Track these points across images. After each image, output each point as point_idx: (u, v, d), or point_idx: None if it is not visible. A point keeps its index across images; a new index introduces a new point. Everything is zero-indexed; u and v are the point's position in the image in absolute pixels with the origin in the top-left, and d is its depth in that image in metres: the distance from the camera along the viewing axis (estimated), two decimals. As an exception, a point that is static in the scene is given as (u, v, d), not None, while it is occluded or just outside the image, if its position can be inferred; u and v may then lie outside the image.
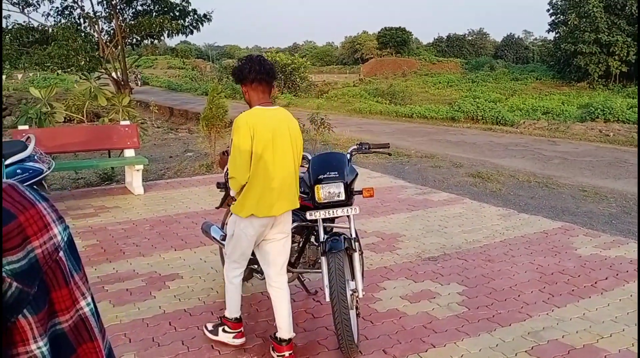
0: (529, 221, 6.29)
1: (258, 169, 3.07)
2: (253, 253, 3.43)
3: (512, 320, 3.80)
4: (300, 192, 3.63)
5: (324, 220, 3.49)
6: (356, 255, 3.37)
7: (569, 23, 35.35)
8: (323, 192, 3.43)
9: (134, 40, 21.38)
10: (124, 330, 3.65)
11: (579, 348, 3.42)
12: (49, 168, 5.92)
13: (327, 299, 3.21)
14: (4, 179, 0.76)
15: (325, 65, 60.07)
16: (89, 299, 0.79)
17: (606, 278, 4.55)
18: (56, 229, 0.74)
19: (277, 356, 3.24)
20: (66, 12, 20.57)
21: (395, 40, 56.68)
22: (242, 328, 3.47)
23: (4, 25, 19.36)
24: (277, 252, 3.31)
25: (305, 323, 3.79)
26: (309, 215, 3.43)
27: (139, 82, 38.60)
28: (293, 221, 3.58)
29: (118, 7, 20.42)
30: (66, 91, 21.03)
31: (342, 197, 3.43)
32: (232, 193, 3.14)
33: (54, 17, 20.52)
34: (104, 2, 20.40)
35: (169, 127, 17.46)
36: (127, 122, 8.36)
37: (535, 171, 9.85)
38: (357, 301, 3.36)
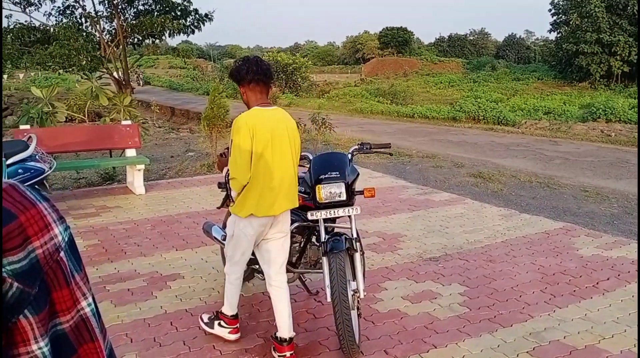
0: (530, 221, 6.28)
1: (258, 169, 3.09)
2: (253, 253, 3.44)
3: (514, 320, 3.80)
4: (302, 192, 3.63)
5: (325, 220, 3.49)
6: (357, 255, 3.37)
7: (571, 23, 35.32)
8: (324, 192, 3.42)
9: (136, 39, 21.40)
10: (126, 330, 3.65)
11: (580, 349, 3.41)
12: (50, 168, 5.92)
13: (329, 299, 3.21)
14: (5, 179, 0.76)
15: (327, 65, 60.10)
16: (90, 299, 0.79)
17: (608, 279, 4.55)
18: (57, 229, 0.74)
19: (279, 356, 3.24)
20: (68, 12, 20.61)
21: (396, 40, 56.70)
22: (238, 325, 3.51)
23: (5, 24, 19.40)
24: (276, 251, 3.33)
25: (306, 323, 3.78)
26: (310, 215, 3.43)
27: (141, 82, 38.59)
28: (294, 221, 3.59)
29: (119, 7, 20.44)
30: (68, 91, 21.06)
31: (344, 197, 3.43)
32: (233, 194, 3.15)
33: (56, 17, 20.57)
34: (106, 1, 20.42)
35: (171, 127, 17.47)
36: (129, 122, 8.37)
37: (536, 171, 9.84)
38: (358, 301, 3.36)
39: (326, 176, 3.46)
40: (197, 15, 21.05)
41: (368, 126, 17.96)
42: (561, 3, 38.97)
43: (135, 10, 21.07)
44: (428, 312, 3.94)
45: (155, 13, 20.50)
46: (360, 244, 3.49)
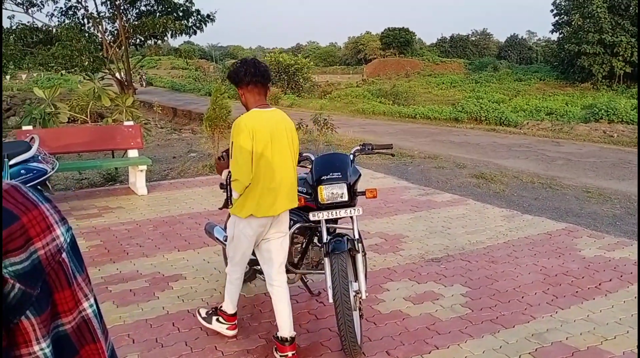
0: (532, 222, 6.27)
1: (258, 170, 3.12)
2: (254, 254, 3.46)
3: (516, 321, 3.79)
4: (304, 193, 3.63)
5: (327, 221, 3.49)
6: (359, 256, 3.37)
7: (573, 23, 35.30)
8: (326, 193, 3.42)
9: (138, 40, 21.42)
10: (128, 331, 3.65)
11: (583, 350, 3.40)
12: (52, 169, 5.93)
13: (330, 300, 3.21)
14: (8, 181, 0.76)
15: (329, 65, 60.12)
16: (92, 300, 0.79)
17: (610, 280, 4.54)
18: (59, 230, 0.74)
19: (280, 356, 3.25)
20: (70, 13, 20.63)
21: (398, 41, 56.71)
22: (236, 321, 3.57)
23: (8, 25, 19.45)
24: (275, 251, 3.35)
25: (308, 324, 3.78)
26: (312, 216, 3.43)
27: (144, 83, 38.61)
28: (296, 222, 3.60)
29: (122, 8, 20.46)
30: (70, 92, 21.08)
31: (345, 198, 3.43)
32: (234, 195, 3.16)
33: (58, 18, 20.58)
34: (108, 2, 20.44)
35: (173, 128, 17.49)
36: (131, 123, 8.37)
37: (538, 172, 9.83)
38: (360, 302, 3.36)
39: (328, 176, 3.46)
40: (199, 16, 21.05)
41: (370, 126, 17.96)
42: (563, 3, 38.95)
43: (137, 11, 21.09)
44: (430, 313, 3.93)
45: (158, 14, 20.52)
46: (362, 245, 3.49)
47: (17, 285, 0.69)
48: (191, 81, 43.39)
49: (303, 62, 34.80)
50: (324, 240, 3.39)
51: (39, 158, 5.80)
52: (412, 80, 43.11)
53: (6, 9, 19.12)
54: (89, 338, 0.79)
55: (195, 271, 4.73)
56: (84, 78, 16.84)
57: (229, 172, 3.19)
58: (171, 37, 20.63)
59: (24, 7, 19.81)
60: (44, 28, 20.02)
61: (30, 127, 8.03)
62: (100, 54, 19.60)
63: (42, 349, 0.72)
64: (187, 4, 20.87)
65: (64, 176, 8.55)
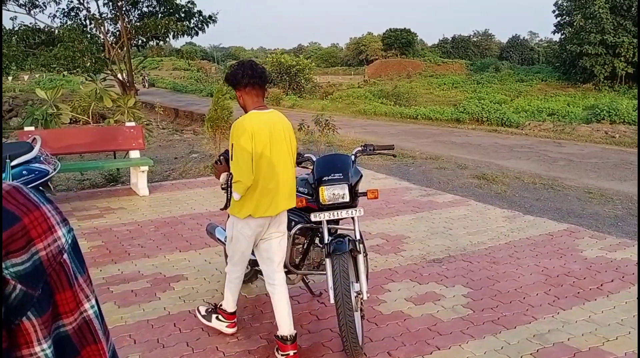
0: (534, 223, 6.27)
1: (258, 171, 3.15)
2: (254, 254, 3.48)
3: (517, 322, 3.79)
4: (305, 193, 3.64)
5: (329, 222, 3.49)
6: (360, 257, 3.37)
7: (575, 24, 35.27)
8: (327, 194, 3.43)
9: (140, 41, 21.43)
10: (129, 331, 3.66)
11: (584, 351, 3.40)
12: (54, 169, 5.94)
13: (332, 301, 3.21)
14: (9, 181, 0.76)
15: (330, 66, 60.16)
16: (93, 301, 0.79)
17: (612, 281, 4.53)
18: (60, 231, 0.74)
19: (282, 355, 3.25)
20: (72, 14, 20.65)
21: (400, 42, 56.70)
22: (235, 319, 3.61)
23: (10, 26, 19.48)
24: (273, 251, 3.38)
25: (309, 325, 3.78)
26: (314, 217, 3.44)
27: (147, 84, 38.62)
28: (297, 223, 3.60)
29: (124, 9, 20.48)
30: (72, 93, 21.11)
31: (347, 199, 3.43)
32: (236, 197, 3.16)
33: (60, 19, 20.60)
34: (110, 3, 20.46)
35: (174, 129, 17.51)
36: (133, 124, 8.38)
37: (540, 173, 9.82)
38: (361, 303, 3.36)
39: (329, 177, 3.46)
40: (201, 17, 21.07)
41: (371, 127, 17.95)
42: (565, 4, 38.92)
43: (139, 12, 21.11)
44: (431, 314, 3.93)
45: (159, 15, 20.53)
46: (364, 245, 3.49)
47: (19, 286, 0.69)
48: (193, 82, 43.43)
49: (305, 63, 34.82)
50: (326, 241, 3.39)
51: (41, 158, 5.81)
52: (413, 81, 43.10)
53: (8, 10, 19.17)
54: (90, 339, 0.79)
55: (197, 272, 4.74)
56: (86, 79, 16.84)
57: (230, 174, 3.21)
58: (173, 38, 20.64)
59: (27, 9, 19.85)
60: (46, 29, 20.05)
61: (32, 128, 8.04)
62: (102, 55, 19.61)
63: (43, 350, 0.72)
64: (189, 5, 20.89)
65: (65, 177, 8.57)
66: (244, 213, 3.20)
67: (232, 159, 3.15)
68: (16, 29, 19.28)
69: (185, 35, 20.68)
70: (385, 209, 6.78)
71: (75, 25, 19.79)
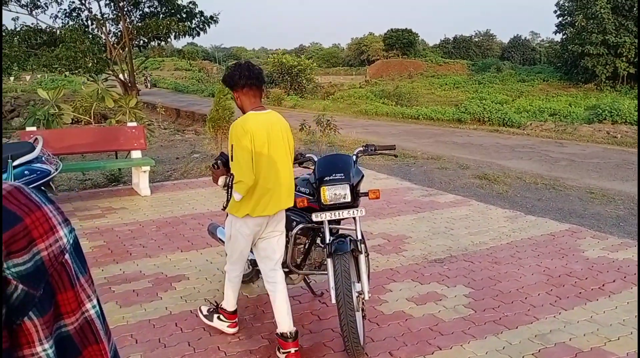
0: (535, 223, 6.26)
1: (257, 171, 3.18)
2: (253, 253, 3.49)
3: (519, 322, 3.79)
4: (306, 193, 3.64)
5: (330, 222, 3.49)
6: (362, 257, 3.37)
7: (576, 24, 35.20)
8: (329, 194, 3.43)
9: (141, 42, 21.48)
10: (131, 331, 3.66)
11: (586, 351, 3.40)
12: (56, 169, 5.95)
13: (333, 301, 3.21)
14: (11, 182, 0.76)
15: (332, 66, 60.12)
16: (95, 301, 0.79)
17: (614, 281, 4.52)
18: (62, 231, 0.74)
19: (283, 352, 3.26)
20: (74, 14, 20.70)
21: (401, 42, 56.65)
22: (236, 319, 3.64)
23: (12, 27, 19.52)
24: (272, 249, 3.40)
25: (311, 325, 3.79)
26: (315, 217, 3.44)
27: (149, 85, 38.62)
28: (299, 223, 3.61)
29: (125, 9, 20.52)
30: (74, 93, 21.15)
31: (348, 199, 3.43)
32: (237, 197, 3.17)
33: (62, 19, 20.68)
34: (111, 4, 20.50)
35: (176, 129, 17.52)
36: (134, 124, 8.39)
37: (542, 173, 9.81)
38: (363, 303, 3.36)
39: (331, 177, 3.46)
40: (202, 18, 21.11)
41: (373, 127, 17.95)
42: (566, 4, 38.84)
43: (140, 12, 21.15)
44: (433, 314, 3.93)
45: (161, 15, 20.58)
46: (365, 245, 3.49)
47: (20, 286, 0.69)
48: (194, 82, 43.46)
49: (306, 63, 34.85)
50: (327, 241, 3.39)
51: (43, 158, 5.82)
52: (415, 81, 43.09)
53: (10, 10, 19.21)
54: (92, 339, 0.79)
55: (198, 272, 4.74)
56: (88, 79, 16.85)
57: (230, 175, 3.22)
58: (174, 39, 20.70)
59: (28, 9, 19.90)
60: (47, 30, 20.10)
61: (34, 128, 8.05)
62: (104, 55, 19.66)
63: (45, 350, 0.72)
64: (190, 5, 20.93)
65: (67, 177, 8.58)
66: (242, 212, 3.22)
67: (232, 160, 3.17)
68: (18, 29, 19.34)
69: (187, 36, 20.76)
70: (387, 210, 6.77)
71: (77, 26, 19.85)
